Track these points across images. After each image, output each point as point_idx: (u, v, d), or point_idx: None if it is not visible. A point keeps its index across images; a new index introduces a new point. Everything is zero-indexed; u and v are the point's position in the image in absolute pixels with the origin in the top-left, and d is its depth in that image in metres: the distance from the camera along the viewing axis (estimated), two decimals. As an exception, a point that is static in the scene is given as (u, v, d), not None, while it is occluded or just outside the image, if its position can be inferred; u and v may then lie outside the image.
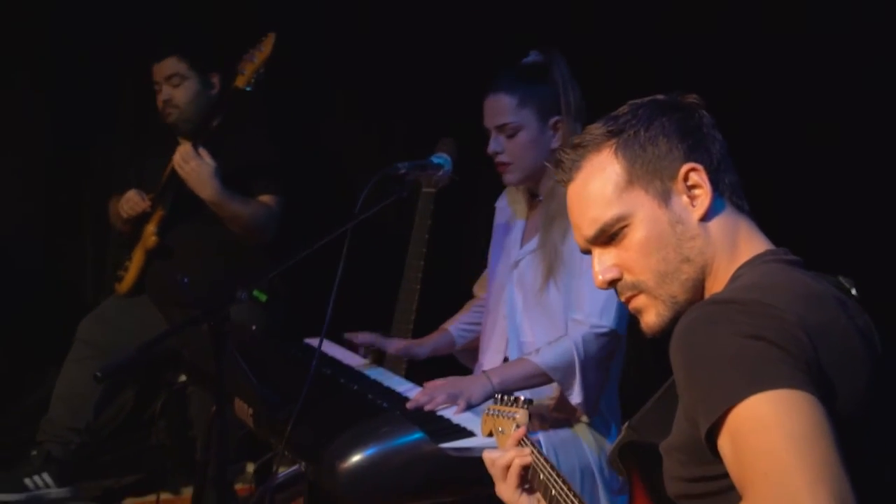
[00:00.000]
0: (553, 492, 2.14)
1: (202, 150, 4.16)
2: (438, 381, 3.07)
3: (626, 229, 1.91)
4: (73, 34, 5.10)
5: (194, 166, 4.16)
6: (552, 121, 3.23)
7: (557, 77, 3.24)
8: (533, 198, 3.38)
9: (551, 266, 3.19)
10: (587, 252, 2.00)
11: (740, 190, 1.94)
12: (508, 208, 3.52)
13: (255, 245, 4.37)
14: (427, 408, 2.97)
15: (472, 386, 3.05)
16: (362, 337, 3.54)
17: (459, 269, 4.27)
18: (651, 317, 1.94)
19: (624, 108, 1.98)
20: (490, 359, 3.38)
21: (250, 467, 4.88)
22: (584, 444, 3.17)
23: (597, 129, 1.97)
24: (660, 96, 1.99)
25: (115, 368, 2.59)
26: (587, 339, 3.06)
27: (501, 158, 3.26)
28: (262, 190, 4.40)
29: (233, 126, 4.33)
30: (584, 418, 3.21)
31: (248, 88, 4.00)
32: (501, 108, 3.23)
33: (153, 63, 4.47)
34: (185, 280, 3.00)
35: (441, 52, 4.80)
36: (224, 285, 2.74)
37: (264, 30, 4.06)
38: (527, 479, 2.24)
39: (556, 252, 3.18)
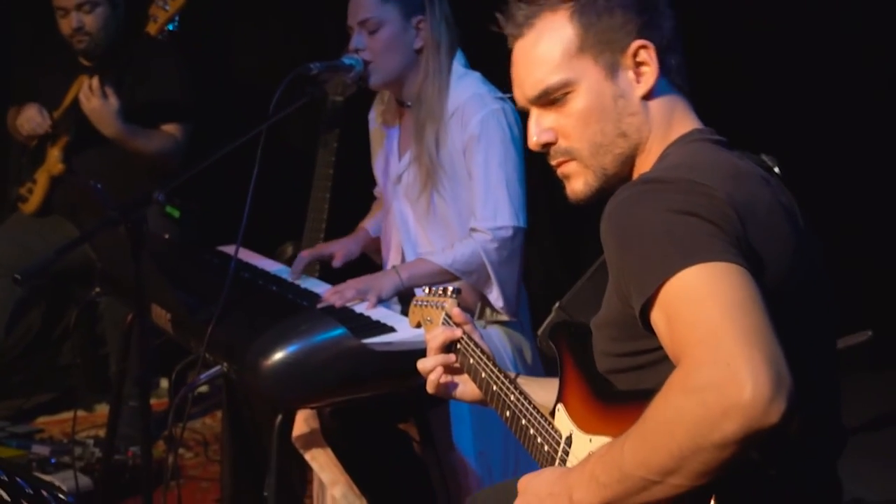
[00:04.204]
0: (483, 374, 2.14)
1: (107, 88, 4.04)
2: (348, 281, 3.04)
3: (570, 96, 1.89)
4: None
5: (96, 105, 4.04)
6: (415, 20, 3.18)
7: None
8: (401, 105, 3.32)
9: (430, 176, 3.17)
10: (525, 110, 1.97)
11: (684, 71, 1.92)
12: (380, 118, 3.47)
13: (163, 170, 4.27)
14: (337, 304, 2.94)
15: (381, 281, 3.03)
16: (307, 255, 3.45)
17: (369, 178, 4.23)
18: (579, 185, 1.93)
19: None
20: None
21: (164, 383, 4.83)
22: (497, 342, 3.18)
23: None
24: None
25: (34, 271, 2.51)
26: (490, 243, 3.06)
27: (364, 56, 3.19)
28: (166, 118, 4.30)
29: (139, 56, 4.19)
30: (499, 316, 3.21)
31: (159, 37, 3.86)
32: (364, 3, 3.17)
33: None
34: (99, 186, 2.92)
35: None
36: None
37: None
38: (457, 370, 2.24)
39: (433, 161, 3.15)
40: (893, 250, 4.73)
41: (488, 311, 3.23)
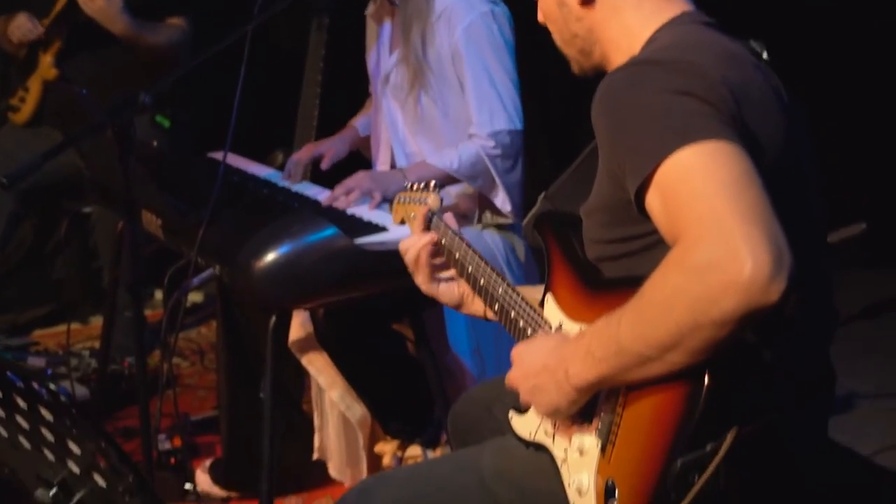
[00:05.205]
0: (470, 269, 2.14)
1: None
2: (354, 177, 3.06)
3: None
4: None
5: (101, 4, 4.02)
6: None
7: None
8: (390, 3, 3.28)
9: (417, 76, 3.15)
10: None
11: None
12: (374, 14, 3.44)
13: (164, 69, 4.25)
14: (342, 202, 2.96)
15: (387, 181, 3.04)
16: (297, 157, 3.45)
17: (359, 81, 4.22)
18: (572, 63, 2.00)
19: None
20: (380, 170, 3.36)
21: (159, 294, 4.87)
22: (491, 243, 3.20)
23: None
24: None
25: (20, 174, 2.51)
26: (493, 149, 3.06)
27: None
28: (171, 11, 4.28)
29: None
30: (497, 220, 3.23)
31: None
32: None
33: None
34: (84, 91, 2.93)
35: None
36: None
37: None
38: (444, 267, 2.25)
39: (420, 61, 3.14)
40: (889, 144, 4.73)
41: (487, 214, 3.25)
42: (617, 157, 1.71)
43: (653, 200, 1.63)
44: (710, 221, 1.52)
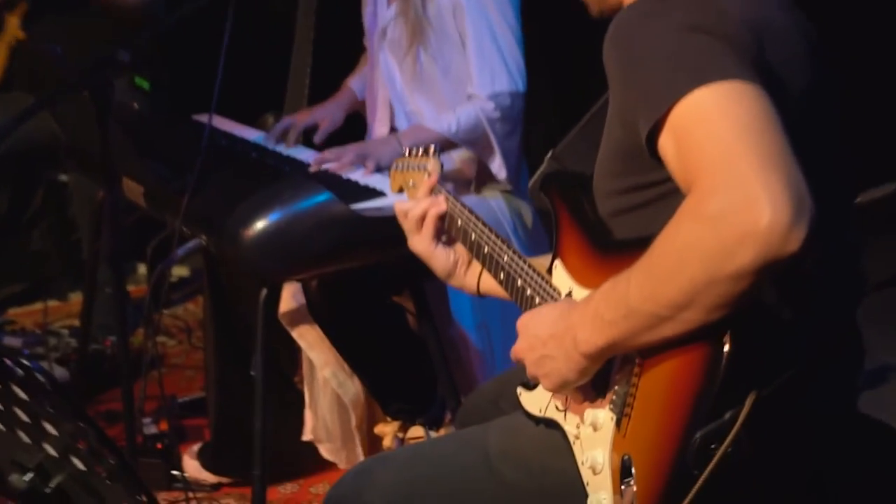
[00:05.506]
0: (473, 236, 2.13)
1: None
2: (344, 146, 3.05)
3: None
4: None
5: None
6: None
7: None
8: None
9: (416, 32, 3.14)
10: None
11: None
12: None
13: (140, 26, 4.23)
14: (333, 168, 2.96)
15: (380, 148, 3.04)
16: (294, 119, 3.44)
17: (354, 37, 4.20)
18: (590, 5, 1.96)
19: None
20: (378, 130, 3.34)
21: (142, 268, 4.87)
22: (496, 210, 3.19)
23: None
24: None
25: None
26: (493, 112, 3.05)
27: None
28: None
29: None
30: (497, 186, 3.23)
31: None
32: None
33: None
34: (58, 49, 2.91)
35: None
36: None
37: None
38: (443, 230, 2.24)
39: (419, 17, 3.12)
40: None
41: (486, 180, 3.24)
42: (629, 98, 1.69)
43: (666, 144, 1.61)
44: (726, 167, 1.50)
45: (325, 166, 2.97)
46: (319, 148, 3.25)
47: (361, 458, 3.19)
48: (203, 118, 3.35)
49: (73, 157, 3.43)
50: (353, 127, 3.50)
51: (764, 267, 1.46)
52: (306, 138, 3.48)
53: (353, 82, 3.58)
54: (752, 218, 1.45)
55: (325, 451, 3.28)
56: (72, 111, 3.10)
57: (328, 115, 3.45)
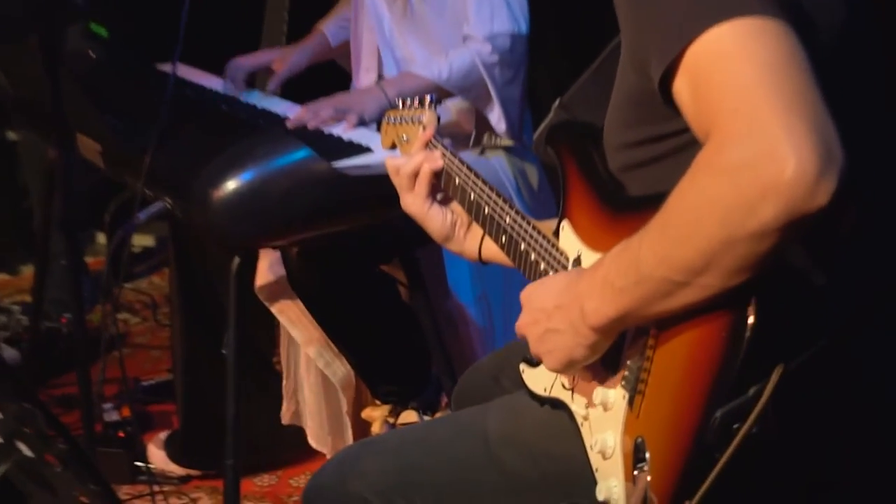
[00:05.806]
0: (472, 195, 2.13)
1: None
2: (323, 99, 3.05)
3: None
4: None
5: None
6: None
7: None
8: None
9: None
10: None
11: None
12: None
13: None
14: (311, 124, 2.96)
15: (363, 99, 3.04)
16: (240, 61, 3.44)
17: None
18: None
19: None
20: (364, 80, 3.34)
21: (101, 237, 4.88)
22: (497, 169, 3.20)
23: None
24: None
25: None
26: (490, 55, 3.05)
27: None
28: None
29: None
30: (499, 141, 3.23)
31: None
32: None
33: None
34: None
35: None
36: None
37: None
38: (439, 189, 2.24)
39: None
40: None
41: (487, 135, 3.25)
42: (641, 37, 1.68)
43: (681, 88, 1.60)
44: (746, 112, 1.49)
45: (300, 123, 2.97)
46: (297, 100, 3.25)
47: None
48: (167, 68, 3.34)
49: (21, 112, 3.42)
50: (338, 78, 3.50)
51: (788, 223, 1.45)
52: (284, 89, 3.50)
53: (327, 26, 3.57)
54: (775, 169, 1.44)
55: (311, 439, 3.29)
56: (19, 59, 3.10)
57: (286, 58, 3.45)
